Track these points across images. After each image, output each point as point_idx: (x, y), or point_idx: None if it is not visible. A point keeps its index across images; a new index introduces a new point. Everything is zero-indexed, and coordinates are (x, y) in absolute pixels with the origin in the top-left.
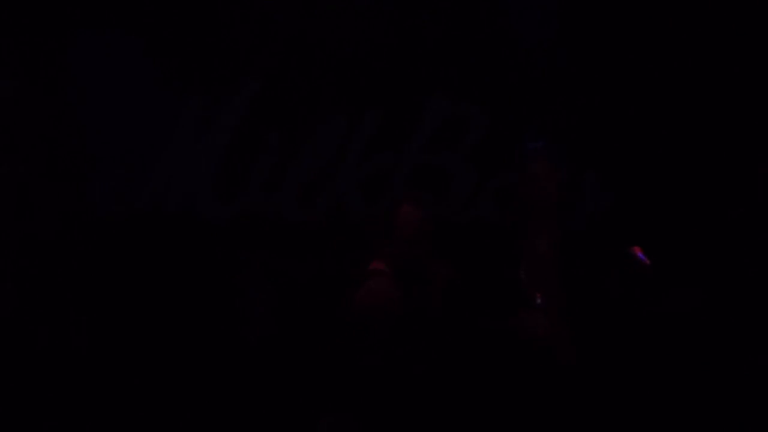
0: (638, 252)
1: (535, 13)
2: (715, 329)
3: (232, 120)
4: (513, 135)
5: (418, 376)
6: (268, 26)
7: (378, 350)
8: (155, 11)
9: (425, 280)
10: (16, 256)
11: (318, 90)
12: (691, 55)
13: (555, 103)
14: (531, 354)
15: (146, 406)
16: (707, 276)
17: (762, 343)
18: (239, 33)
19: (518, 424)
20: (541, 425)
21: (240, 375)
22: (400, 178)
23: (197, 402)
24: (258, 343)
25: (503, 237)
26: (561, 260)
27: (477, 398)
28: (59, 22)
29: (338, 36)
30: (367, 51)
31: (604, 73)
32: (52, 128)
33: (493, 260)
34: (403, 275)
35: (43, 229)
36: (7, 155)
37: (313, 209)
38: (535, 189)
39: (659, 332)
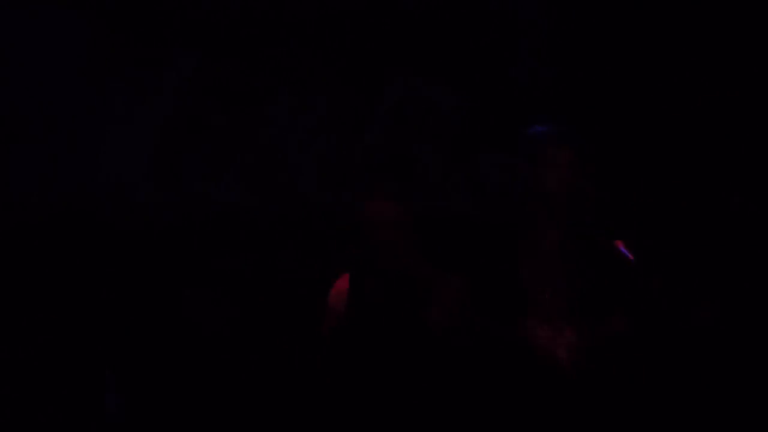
0: (620, 246)
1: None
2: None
3: (171, 97)
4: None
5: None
6: None
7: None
8: None
9: (421, 296)
10: None
11: (269, 62)
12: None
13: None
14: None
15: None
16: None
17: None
18: None
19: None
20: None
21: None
22: (362, 164)
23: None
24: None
25: (490, 232)
26: (570, 258)
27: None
28: None
29: (290, 4)
30: (324, 19)
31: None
32: None
33: (484, 259)
34: (389, 293)
35: None
36: None
37: (263, 197)
38: (553, 178)
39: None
